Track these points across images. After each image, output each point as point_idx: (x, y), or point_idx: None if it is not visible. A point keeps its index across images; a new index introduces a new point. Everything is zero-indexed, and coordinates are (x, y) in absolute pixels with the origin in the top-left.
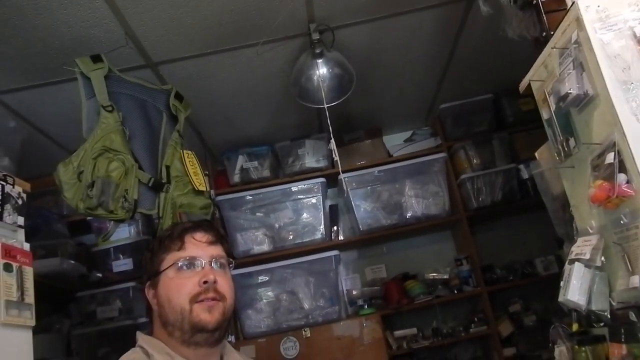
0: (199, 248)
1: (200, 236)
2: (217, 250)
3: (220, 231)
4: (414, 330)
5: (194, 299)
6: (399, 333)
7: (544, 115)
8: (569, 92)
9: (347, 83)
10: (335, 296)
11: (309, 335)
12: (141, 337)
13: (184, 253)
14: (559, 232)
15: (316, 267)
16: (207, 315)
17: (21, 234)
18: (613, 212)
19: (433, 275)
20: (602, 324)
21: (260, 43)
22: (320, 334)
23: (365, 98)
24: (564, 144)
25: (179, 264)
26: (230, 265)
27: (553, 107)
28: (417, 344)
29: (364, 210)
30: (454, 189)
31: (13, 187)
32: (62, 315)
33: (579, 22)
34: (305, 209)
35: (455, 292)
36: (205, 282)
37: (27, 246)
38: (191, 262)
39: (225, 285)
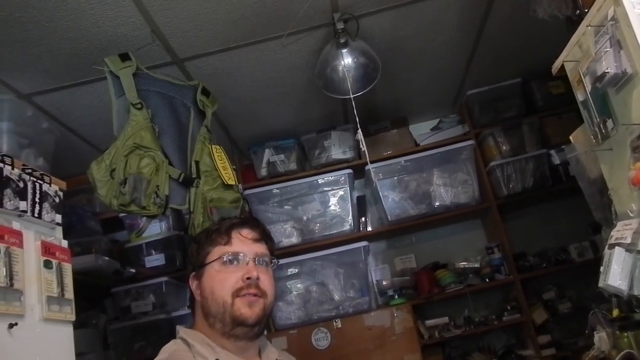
0: (245, 244)
1: (247, 233)
2: (262, 248)
3: (266, 230)
4: (445, 320)
5: (236, 293)
6: (430, 322)
7: (579, 96)
8: (606, 71)
9: (372, 72)
10: (365, 287)
11: (339, 326)
12: (182, 330)
13: (230, 248)
14: (597, 217)
15: (345, 258)
16: (248, 310)
17: (59, 231)
18: None
19: (464, 264)
20: None
21: (285, 35)
22: (351, 325)
23: (390, 87)
24: (601, 125)
25: (224, 258)
26: (273, 265)
27: (589, 87)
28: (449, 333)
29: (392, 200)
30: (483, 176)
31: (50, 186)
32: (98, 311)
33: None
34: (332, 201)
35: (487, 280)
36: (248, 278)
37: (65, 243)
38: (235, 257)
39: (267, 282)
